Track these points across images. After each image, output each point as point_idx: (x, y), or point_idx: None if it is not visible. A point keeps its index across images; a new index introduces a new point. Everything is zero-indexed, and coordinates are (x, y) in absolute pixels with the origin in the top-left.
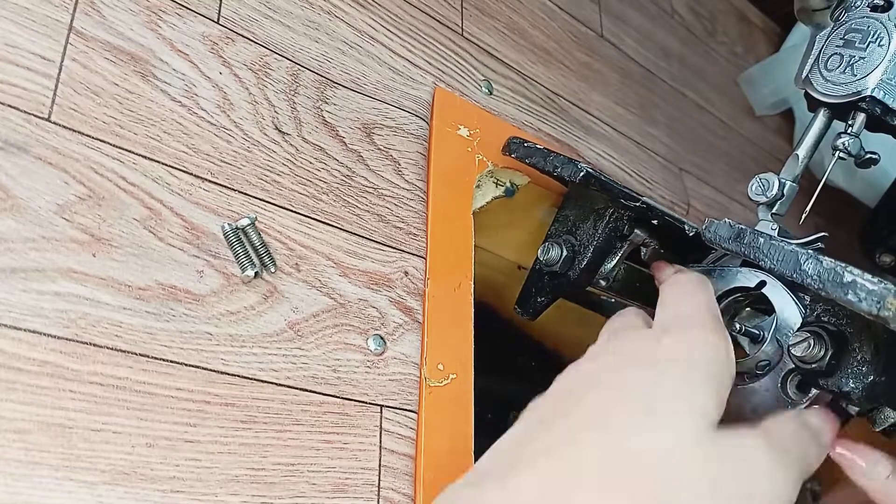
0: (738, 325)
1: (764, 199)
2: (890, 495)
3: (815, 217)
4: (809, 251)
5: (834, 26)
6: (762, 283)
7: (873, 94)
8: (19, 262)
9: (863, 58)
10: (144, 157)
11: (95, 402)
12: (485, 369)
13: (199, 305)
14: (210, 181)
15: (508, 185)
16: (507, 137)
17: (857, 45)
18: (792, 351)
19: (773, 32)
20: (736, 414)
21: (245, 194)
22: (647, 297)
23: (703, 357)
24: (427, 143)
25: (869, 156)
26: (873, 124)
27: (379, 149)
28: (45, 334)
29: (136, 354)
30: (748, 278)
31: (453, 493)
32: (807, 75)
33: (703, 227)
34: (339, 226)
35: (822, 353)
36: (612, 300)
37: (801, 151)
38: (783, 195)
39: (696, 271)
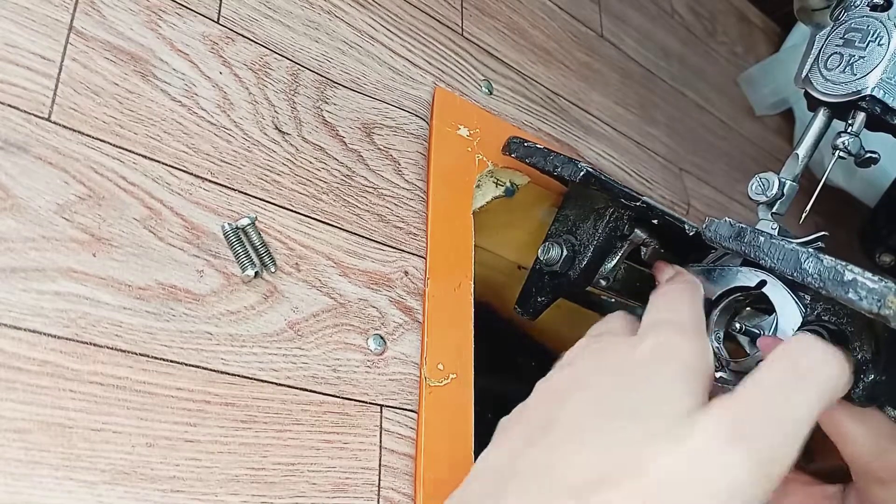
0: (738, 325)
1: (764, 199)
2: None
3: (815, 216)
4: (810, 250)
5: (834, 26)
6: (762, 283)
7: (873, 94)
8: (19, 262)
9: (863, 57)
10: (144, 156)
11: (95, 401)
12: (485, 369)
13: (199, 305)
14: (210, 181)
15: (508, 184)
16: (507, 137)
17: (856, 44)
18: None
19: (773, 32)
20: None
21: (245, 194)
22: (646, 297)
23: (679, 360)
24: (427, 143)
25: (869, 155)
26: (873, 123)
27: (379, 148)
28: (45, 334)
29: (136, 354)
30: (748, 277)
31: None
32: (807, 75)
33: (704, 226)
34: (339, 225)
35: None
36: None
37: (801, 151)
38: (783, 194)
39: (692, 272)
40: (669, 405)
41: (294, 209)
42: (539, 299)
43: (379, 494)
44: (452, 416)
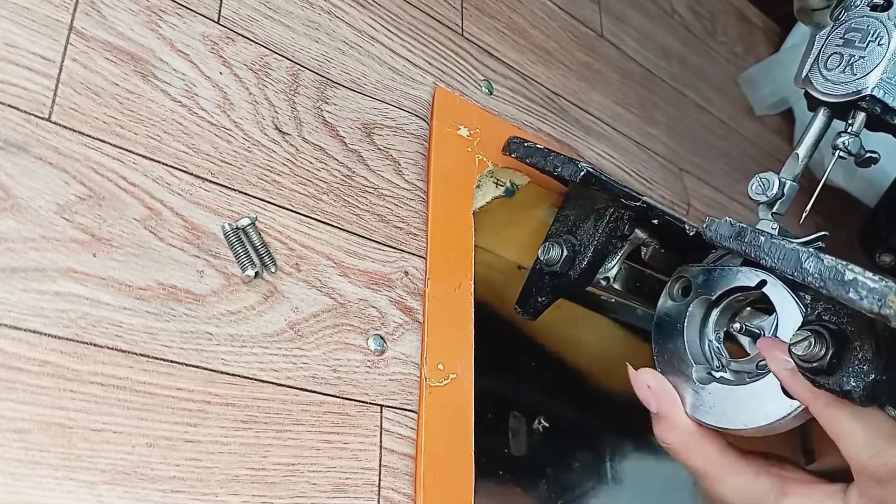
0: (738, 325)
1: (764, 199)
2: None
3: (815, 216)
4: (810, 249)
5: (834, 26)
6: (763, 283)
7: (873, 94)
8: (19, 262)
9: (863, 57)
10: (145, 157)
11: (96, 401)
12: (485, 369)
13: (199, 305)
14: (210, 181)
15: (508, 184)
16: (508, 137)
17: (856, 44)
18: (793, 350)
19: (773, 32)
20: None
21: (245, 194)
22: (647, 297)
23: None
24: (427, 143)
25: (869, 155)
26: (873, 123)
27: (379, 149)
28: (45, 334)
29: (136, 354)
30: (749, 277)
31: None
32: (807, 75)
33: (704, 226)
34: (339, 226)
35: (823, 351)
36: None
37: (801, 151)
38: (783, 194)
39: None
40: None
41: (294, 209)
42: (539, 299)
43: (379, 495)
44: (452, 417)
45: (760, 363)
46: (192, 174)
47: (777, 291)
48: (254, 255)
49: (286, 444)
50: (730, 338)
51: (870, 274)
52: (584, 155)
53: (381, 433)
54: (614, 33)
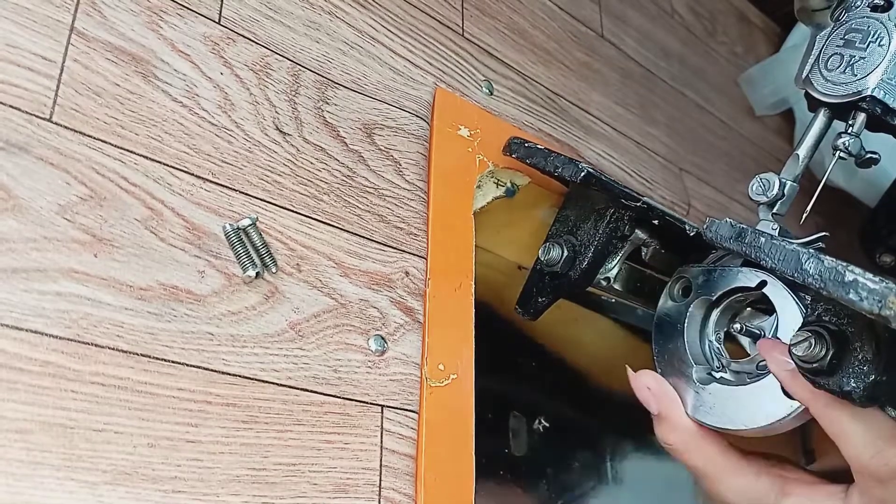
0: (738, 325)
1: (764, 199)
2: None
3: (815, 217)
4: (811, 250)
5: (834, 26)
6: (763, 283)
7: (873, 94)
8: (21, 263)
9: (863, 58)
10: (146, 157)
11: (97, 402)
12: (485, 369)
13: (200, 306)
14: (211, 181)
15: (509, 185)
16: (508, 138)
17: (857, 44)
18: (793, 350)
19: (773, 32)
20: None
21: (246, 195)
22: (647, 298)
23: None
24: (428, 144)
25: (869, 156)
26: (873, 124)
27: (380, 149)
28: (46, 334)
29: (137, 355)
30: (749, 278)
31: None
32: (807, 75)
33: (705, 226)
34: (339, 226)
35: (823, 352)
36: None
37: (802, 151)
38: (784, 195)
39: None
40: None
41: (295, 210)
42: (540, 300)
43: (380, 495)
44: (453, 417)
45: (760, 364)
46: (193, 174)
47: (777, 292)
48: (255, 256)
49: (287, 444)
50: (730, 338)
51: (870, 275)
52: (585, 155)
53: (381, 433)
54: (614, 33)
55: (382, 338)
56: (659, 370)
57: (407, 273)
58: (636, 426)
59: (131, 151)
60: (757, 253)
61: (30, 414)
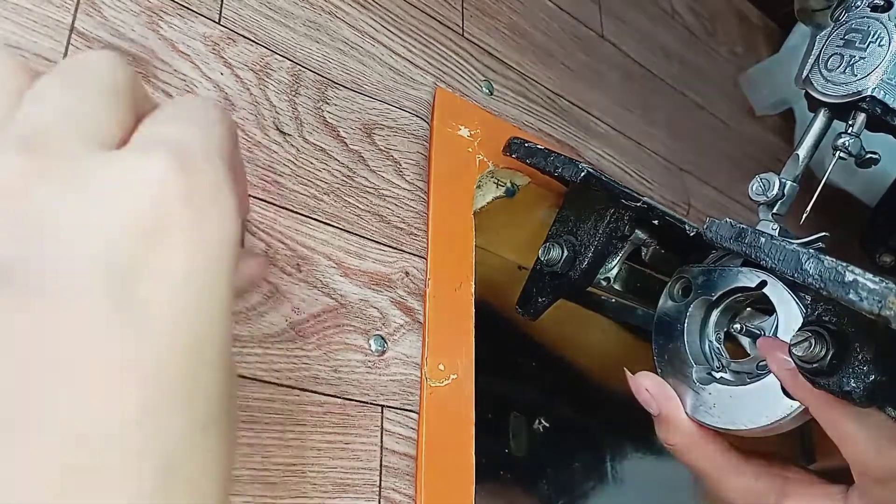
0: (738, 325)
1: (764, 199)
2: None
3: (815, 217)
4: (811, 251)
5: (834, 26)
6: (763, 283)
7: (874, 94)
8: None
9: (863, 58)
10: None
11: None
12: (485, 369)
13: None
14: None
15: (509, 185)
16: (508, 138)
17: (857, 45)
18: (793, 350)
19: (773, 32)
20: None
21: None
22: (647, 298)
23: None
24: (427, 144)
25: (869, 156)
26: (874, 124)
27: (380, 149)
28: None
29: None
30: (749, 278)
31: None
32: (807, 75)
33: (705, 226)
34: (340, 226)
35: (823, 352)
36: (613, 300)
37: (802, 151)
38: (784, 195)
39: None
40: None
41: (295, 210)
42: (540, 300)
43: (380, 495)
44: (453, 417)
45: (761, 364)
46: None
47: (777, 292)
48: None
49: (287, 444)
50: (730, 338)
51: (870, 275)
52: (585, 155)
53: (381, 433)
54: (615, 34)
55: (382, 338)
56: (659, 370)
57: (407, 273)
58: (636, 426)
59: None
60: (757, 253)
61: None
